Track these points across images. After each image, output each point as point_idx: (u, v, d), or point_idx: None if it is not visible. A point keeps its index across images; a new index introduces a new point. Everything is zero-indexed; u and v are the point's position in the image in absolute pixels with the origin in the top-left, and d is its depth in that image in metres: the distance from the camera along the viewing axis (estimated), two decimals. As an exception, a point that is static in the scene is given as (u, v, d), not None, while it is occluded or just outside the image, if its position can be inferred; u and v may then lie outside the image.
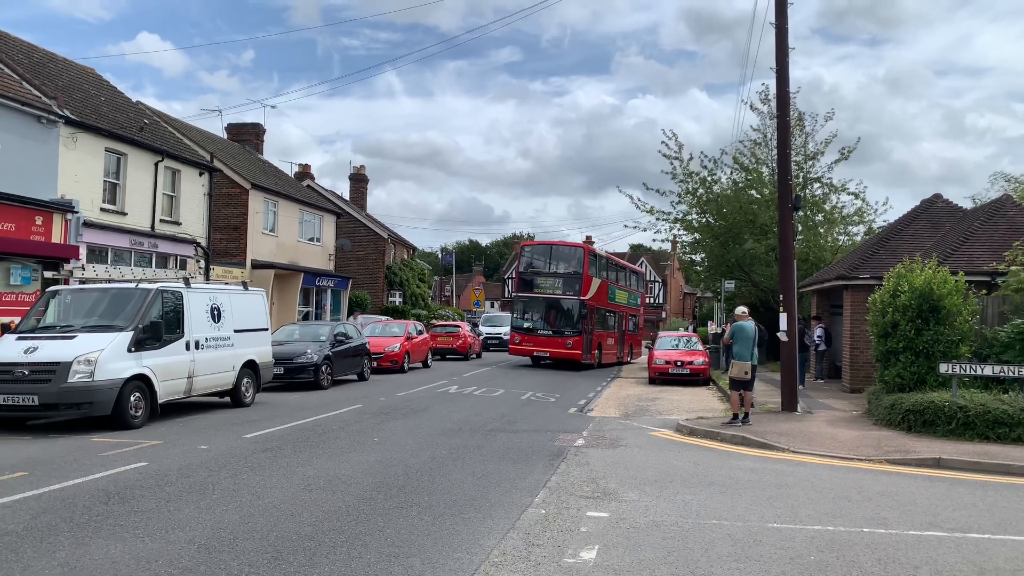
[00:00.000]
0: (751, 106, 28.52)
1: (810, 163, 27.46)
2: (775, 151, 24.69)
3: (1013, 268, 14.84)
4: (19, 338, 11.93)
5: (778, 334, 15.46)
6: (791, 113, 17.06)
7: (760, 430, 12.57)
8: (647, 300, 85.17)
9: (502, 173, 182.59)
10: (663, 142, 28.60)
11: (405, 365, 24.51)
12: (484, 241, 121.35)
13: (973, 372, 12.61)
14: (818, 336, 22.18)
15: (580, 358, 26.94)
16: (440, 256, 72.73)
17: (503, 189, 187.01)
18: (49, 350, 11.40)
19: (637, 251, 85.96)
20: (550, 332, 27.29)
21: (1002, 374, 12.40)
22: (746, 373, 13.45)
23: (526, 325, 27.81)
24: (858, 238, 29.71)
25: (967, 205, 26.31)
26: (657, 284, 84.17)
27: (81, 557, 5.49)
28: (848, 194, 27.91)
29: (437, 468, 9.16)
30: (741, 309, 14.30)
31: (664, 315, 78.69)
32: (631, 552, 5.98)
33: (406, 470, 8.96)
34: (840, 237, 30.09)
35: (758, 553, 6.04)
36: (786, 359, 15.43)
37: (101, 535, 6.03)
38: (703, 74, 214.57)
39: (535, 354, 27.73)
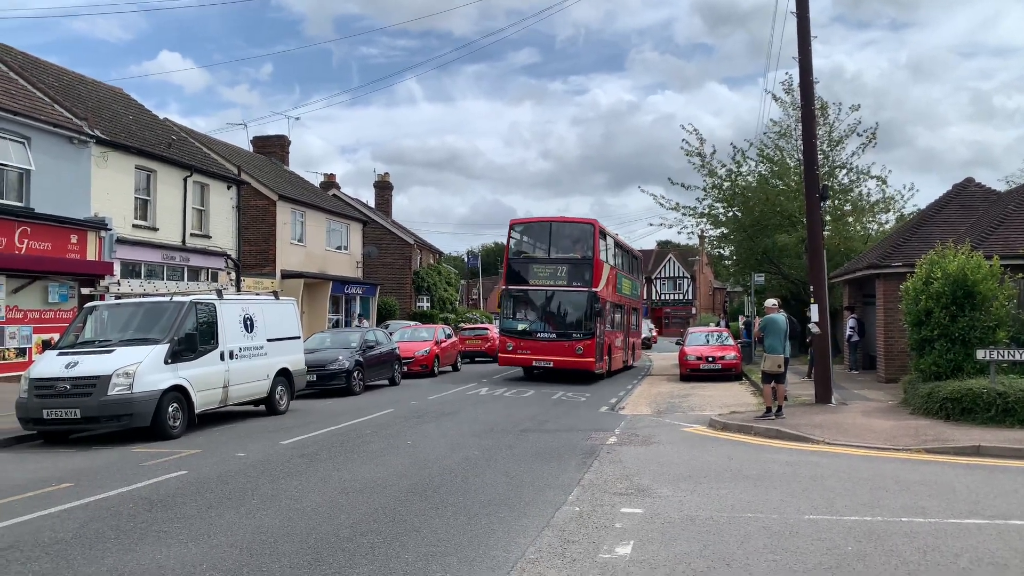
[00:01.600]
0: (774, 96, 28.14)
1: (836, 150, 27.11)
2: (799, 141, 24.52)
3: (1049, 250, 14.56)
4: (60, 354, 12.23)
5: (810, 326, 15.33)
6: (814, 102, 16.87)
7: (794, 423, 12.47)
8: (676, 295, 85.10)
9: (524, 174, 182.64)
10: (683, 140, 28.18)
11: (435, 369, 24.66)
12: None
13: (1012, 358, 12.40)
14: (851, 327, 21.93)
15: (593, 367, 21.52)
16: (466, 259, 73.01)
17: (525, 190, 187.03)
18: (89, 364, 11.68)
19: (665, 247, 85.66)
20: (553, 335, 21.69)
21: (1041, 359, 12.19)
22: (779, 367, 13.35)
23: (520, 327, 22.15)
24: (888, 226, 29.28)
25: (1001, 188, 25.81)
26: (686, 280, 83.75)
27: (128, 562, 5.64)
28: (872, 178, 27.48)
29: (471, 469, 9.22)
30: (771, 302, 14.18)
31: (694, 311, 78.28)
32: (666, 547, 5.99)
33: (440, 471, 9.05)
34: (870, 226, 29.67)
35: (795, 545, 6.01)
36: (819, 351, 15.28)
37: (147, 541, 6.19)
38: (720, 67, 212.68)
39: (533, 364, 22.01)
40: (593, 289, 21.56)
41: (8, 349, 18.55)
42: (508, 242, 23.43)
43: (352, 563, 5.60)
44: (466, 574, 5.37)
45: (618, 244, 26.33)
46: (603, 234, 23.15)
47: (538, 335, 21.89)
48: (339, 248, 35.96)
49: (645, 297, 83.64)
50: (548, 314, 22.18)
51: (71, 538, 6.30)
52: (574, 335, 21.57)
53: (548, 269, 22.28)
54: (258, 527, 6.58)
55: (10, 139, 18.61)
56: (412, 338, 26.06)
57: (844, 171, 27.40)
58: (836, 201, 27.09)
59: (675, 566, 5.50)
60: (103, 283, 20.45)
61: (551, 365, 21.68)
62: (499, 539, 6.22)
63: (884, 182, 27.47)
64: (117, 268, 21.28)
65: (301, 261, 32.01)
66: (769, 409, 13.22)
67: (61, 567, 5.56)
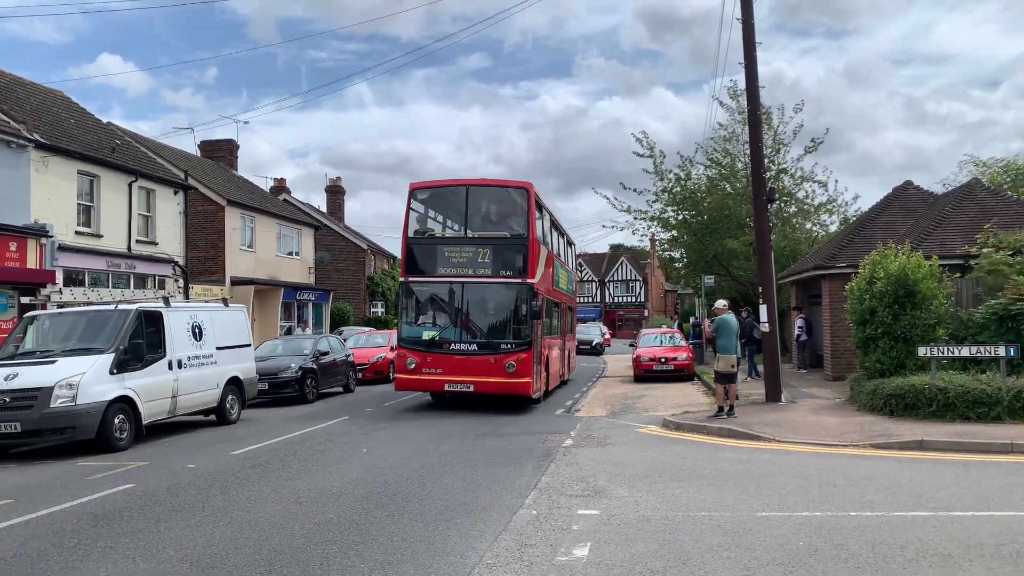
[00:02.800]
0: (720, 102, 28.67)
1: (780, 153, 27.74)
2: (746, 146, 25.02)
3: (985, 250, 15.11)
4: (-2, 365, 11.80)
5: (759, 325, 15.63)
6: (760, 107, 17.23)
7: (746, 421, 12.69)
8: (629, 298, 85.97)
9: (475, 178, 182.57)
10: (637, 141, 28.40)
11: (391, 375, 24.42)
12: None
13: (951, 354, 12.84)
14: (799, 326, 22.42)
15: (529, 390, 15.71)
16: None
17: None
18: (30, 376, 11.28)
19: (617, 250, 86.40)
20: (473, 347, 15.72)
21: (979, 354, 12.64)
22: (732, 367, 13.59)
23: (426, 336, 15.95)
24: (832, 228, 30.06)
25: (938, 190, 26.72)
26: (638, 283, 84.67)
27: (73, 581, 5.46)
28: (814, 182, 28.24)
29: (427, 475, 9.17)
30: (722, 303, 14.42)
31: (647, 313, 79.19)
32: (623, 547, 6.03)
33: (396, 478, 8.97)
34: (814, 228, 30.41)
35: (748, 541, 6.11)
36: (768, 350, 15.58)
37: (92, 558, 5.99)
38: (665, 73, 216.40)
39: (446, 388, 15.91)
40: (529, 280, 15.59)
41: (-58, 362, 17.81)
42: (407, 216, 16.47)
43: (306, 573, 5.51)
44: (424, 581, 5.33)
45: (555, 223, 20.42)
46: (539, 205, 17.10)
47: (452, 347, 15.69)
48: (290, 254, 35.43)
49: (598, 300, 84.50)
50: (466, 317, 16.02)
51: (11, 557, 6.07)
52: (503, 346, 15.56)
53: (465, 253, 16.09)
54: (209, 540, 6.43)
55: (-58, 143, 17.89)
56: (367, 344, 25.79)
57: (789, 176, 28.05)
58: (783, 203, 27.71)
59: (632, 566, 5.55)
60: (44, 292, 19.79)
61: (471, 389, 15.61)
62: (456, 545, 6.19)
63: (824, 185, 28.28)
64: (59, 276, 20.60)
65: (251, 267, 31.45)
66: (721, 408, 13.43)
67: (1, 587, 5.36)
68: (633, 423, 13.91)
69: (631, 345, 30.87)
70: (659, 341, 25.54)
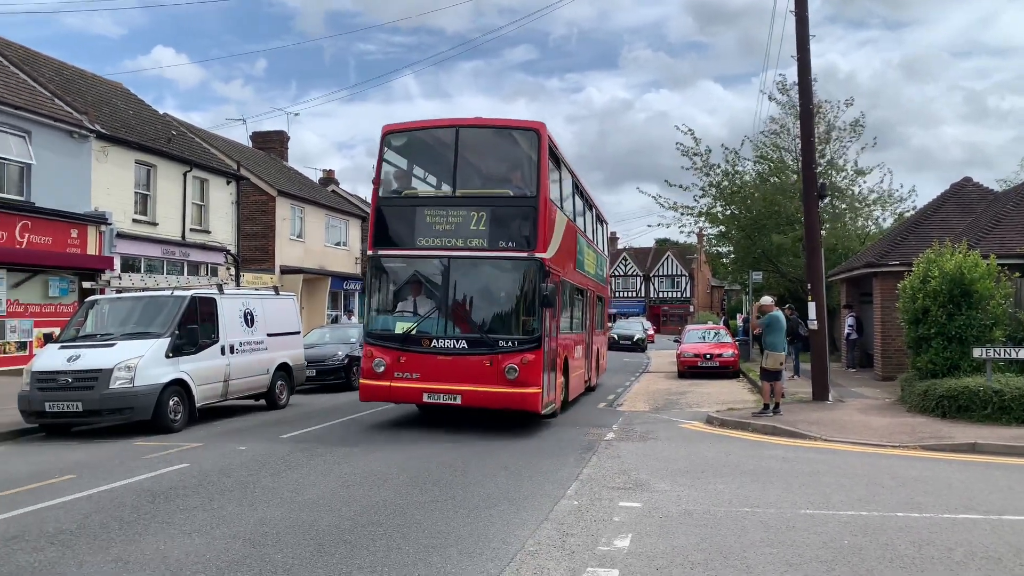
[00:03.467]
0: (769, 97, 28.23)
1: (833, 148, 27.17)
2: (797, 140, 24.60)
3: (1046, 250, 14.64)
4: (61, 347, 12.28)
5: (808, 323, 15.40)
6: (813, 101, 16.93)
7: (791, 419, 12.55)
8: (674, 293, 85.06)
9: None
10: (678, 143, 28.08)
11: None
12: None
13: (1008, 356, 12.52)
14: (850, 325, 22.01)
15: (537, 403, 11.70)
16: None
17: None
18: (91, 358, 11.73)
19: (663, 245, 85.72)
20: (463, 344, 11.77)
21: (1037, 357, 12.27)
22: (781, 364, 13.46)
23: (400, 328, 12.20)
24: (886, 224, 29.39)
25: (997, 188, 25.90)
26: (684, 278, 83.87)
27: (133, 552, 5.71)
28: (866, 173, 27.57)
29: (470, 462, 9.29)
30: (768, 299, 14.20)
31: (692, 309, 78.42)
32: (664, 540, 6.06)
33: (440, 465, 9.11)
34: (868, 224, 29.77)
35: (791, 538, 6.09)
36: (816, 348, 15.35)
37: (150, 532, 6.25)
38: (713, 65, 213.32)
39: (425, 398, 11.89)
40: (538, 255, 11.65)
41: (9, 343, 18.60)
42: (378, 169, 12.56)
43: (353, 554, 5.67)
44: (466, 565, 5.43)
45: (579, 186, 16.10)
46: (556, 157, 12.98)
47: (434, 344, 11.70)
48: (338, 244, 36.00)
49: (642, 295, 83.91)
50: (453, 304, 12.04)
51: (76, 528, 6.37)
52: (503, 343, 11.59)
53: (453, 218, 12.09)
54: (260, 519, 6.64)
55: (11, 133, 18.64)
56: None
57: (843, 173, 27.47)
58: (834, 200, 27.18)
59: (673, 558, 5.58)
60: (104, 277, 20.49)
61: (457, 401, 11.68)
62: (499, 531, 6.29)
63: (883, 181, 27.63)
64: (117, 262, 21.31)
65: (300, 257, 32.05)
66: (767, 406, 13.29)
67: (67, 556, 5.63)
68: (676, 419, 13.86)
69: (675, 341, 30.58)
70: (704, 337, 25.31)
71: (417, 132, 13.15)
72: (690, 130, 27.88)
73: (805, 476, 8.57)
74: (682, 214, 28.92)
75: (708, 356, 23.17)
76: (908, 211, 27.41)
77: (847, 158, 27.37)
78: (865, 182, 27.89)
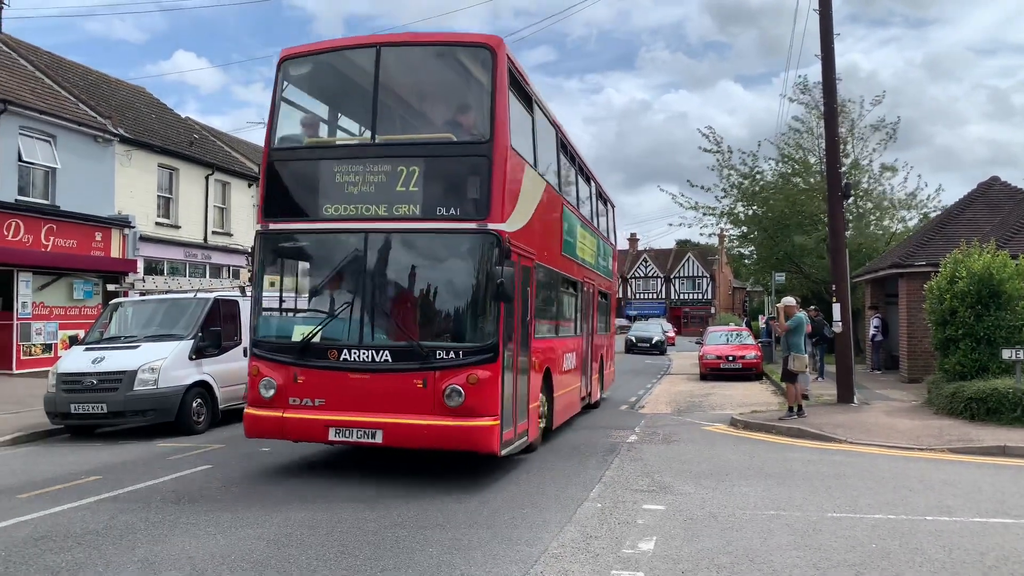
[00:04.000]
0: (790, 99, 27.92)
1: (856, 147, 26.84)
2: (820, 140, 24.34)
3: (1077, 249, 14.36)
4: (86, 349, 12.41)
5: (833, 324, 15.22)
6: (837, 100, 16.73)
7: (816, 422, 12.40)
8: (695, 295, 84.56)
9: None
10: (703, 136, 27.81)
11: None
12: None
13: (1038, 357, 12.25)
14: (875, 326, 21.74)
15: (493, 440, 7.91)
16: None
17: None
18: (115, 360, 11.84)
19: (684, 246, 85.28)
20: (386, 356, 8.06)
21: (1069, 359, 12.03)
22: (806, 366, 13.37)
23: (298, 334, 8.55)
24: (912, 223, 29.01)
25: (1026, 187, 25.44)
26: (705, 279, 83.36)
27: (159, 553, 5.74)
28: (894, 170, 27.19)
29: (493, 465, 9.24)
30: (792, 300, 14.02)
31: (713, 310, 77.92)
32: (689, 543, 5.99)
33: (463, 467, 9.07)
34: (894, 225, 29.39)
35: (818, 542, 6.00)
36: (841, 350, 15.17)
37: (176, 533, 6.28)
38: (733, 66, 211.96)
39: (332, 435, 8.18)
40: (492, 225, 8.13)
41: (34, 345, 18.85)
42: (273, 109, 9.02)
43: (377, 556, 5.65)
44: (490, 568, 5.40)
45: (566, 142, 12.13)
46: (522, 88, 9.45)
47: (345, 356, 8.24)
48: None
49: (663, 297, 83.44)
50: (372, 297, 8.47)
51: (102, 529, 6.41)
52: (442, 355, 8.06)
53: (373, 175, 8.55)
54: (284, 520, 6.65)
55: (37, 138, 18.91)
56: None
57: (867, 173, 27.14)
58: (858, 200, 26.87)
59: (698, 561, 5.51)
60: (127, 280, 20.73)
61: (378, 439, 8.13)
62: (522, 534, 6.25)
63: (905, 180, 27.22)
64: (140, 265, 21.55)
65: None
66: (792, 408, 13.14)
67: (94, 557, 5.67)
68: (699, 421, 13.75)
69: (697, 343, 30.38)
70: (727, 339, 25.11)
71: (325, 56, 9.27)
72: (712, 130, 27.67)
73: (831, 479, 8.45)
74: (704, 214, 28.70)
75: (731, 358, 22.98)
76: (934, 211, 27.04)
77: (872, 157, 27.03)
78: (890, 181, 27.54)
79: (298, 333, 8.51)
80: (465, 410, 7.80)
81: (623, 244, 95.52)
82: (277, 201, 8.85)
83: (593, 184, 15.02)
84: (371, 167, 8.46)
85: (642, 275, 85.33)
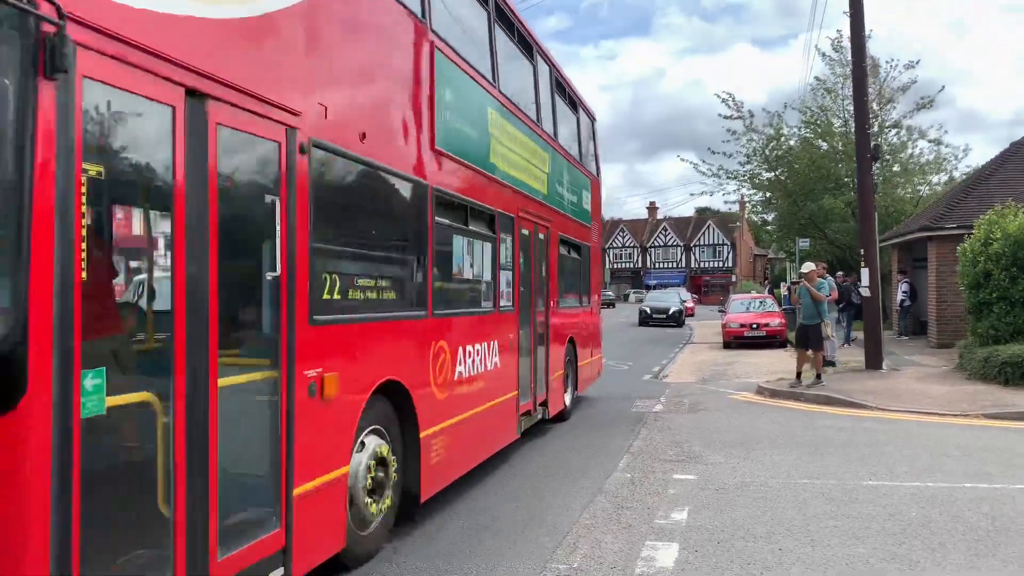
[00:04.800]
0: (822, 54, 27.09)
1: (886, 109, 26.16)
2: (847, 101, 23.78)
3: (1116, 209, 13.93)
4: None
5: (860, 289, 14.95)
6: (866, 59, 16.27)
7: (846, 388, 12.20)
8: (716, 263, 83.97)
9: None
10: (723, 102, 27.08)
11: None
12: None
13: (1075, 320, 11.96)
14: (903, 291, 21.36)
15: None
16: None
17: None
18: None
19: (703, 214, 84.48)
20: None
21: (1108, 321, 11.72)
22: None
23: None
24: (939, 188, 28.39)
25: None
26: (726, 247, 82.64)
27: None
28: (928, 141, 26.54)
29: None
30: (811, 265, 13.76)
31: (735, 278, 77.33)
32: (722, 513, 5.88)
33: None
34: (920, 188, 28.77)
35: (855, 511, 5.86)
36: (869, 316, 14.89)
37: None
38: (750, 29, 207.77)
39: None
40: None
41: None
42: None
43: (404, 529, 5.59)
44: (521, 539, 5.32)
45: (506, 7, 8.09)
46: None
47: None
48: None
49: (683, 266, 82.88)
50: None
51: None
52: None
53: None
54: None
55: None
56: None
57: (895, 131, 26.51)
58: (886, 162, 26.29)
59: (734, 531, 5.40)
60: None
61: None
62: (551, 505, 6.17)
63: (939, 143, 26.56)
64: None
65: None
66: (819, 375, 12.95)
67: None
68: (725, 389, 13.60)
69: (720, 311, 29.99)
70: (750, 307, 24.83)
71: None
72: (730, 95, 27.04)
73: (864, 446, 8.29)
74: (727, 178, 28.15)
75: (755, 326, 22.73)
76: (963, 173, 26.45)
77: (900, 121, 26.38)
78: (916, 144, 26.90)
79: None
80: None
81: (640, 212, 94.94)
82: None
83: (547, 67, 9.83)
84: None
85: (661, 244, 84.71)
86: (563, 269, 10.33)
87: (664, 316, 34.00)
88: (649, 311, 34.74)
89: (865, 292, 14.75)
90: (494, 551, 5.10)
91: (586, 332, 11.74)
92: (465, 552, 5.09)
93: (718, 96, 27.48)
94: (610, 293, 60.52)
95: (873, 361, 14.62)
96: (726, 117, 27.01)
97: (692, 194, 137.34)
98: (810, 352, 12.89)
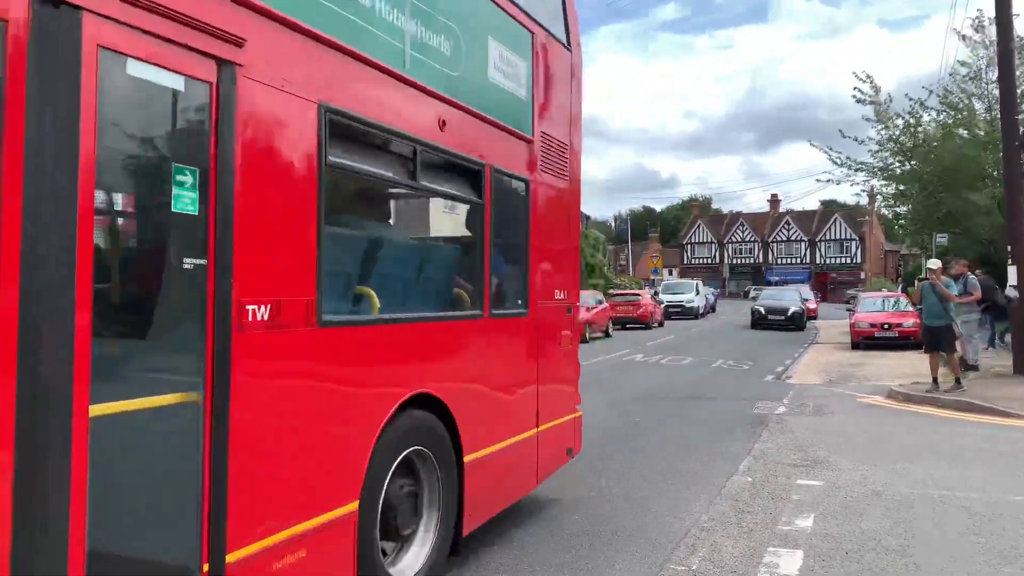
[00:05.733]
0: (963, 36, 25.22)
1: None
2: (992, 85, 22.04)
3: None
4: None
5: (1007, 290, 13.87)
6: (1013, 39, 15.04)
7: (989, 395, 11.36)
8: (842, 259, 79.71)
9: (665, 135, 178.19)
10: (855, 88, 25.66)
11: (586, 335, 24.53)
12: (657, 207, 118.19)
13: None
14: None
15: None
16: (612, 225, 72.11)
17: (668, 152, 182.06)
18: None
19: (830, 207, 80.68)
20: None
21: None
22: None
23: None
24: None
25: None
26: (854, 242, 78.52)
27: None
28: None
29: (635, 434, 9.13)
30: (938, 263, 12.96)
31: (863, 275, 73.41)
32: (851, 521, 5.63)
33: (602, 436, 8.99)
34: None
35: (1000, 527, 5.47)
36: (1018, 317, 13.80)
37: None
38: (876, 10, 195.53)
39: None
40: None
41: None
42: None
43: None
44: (639, 540, 5.30)
45: None
46: None
47: None
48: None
49: (807, 261, 79.31)
50: None
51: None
52: None
53: None
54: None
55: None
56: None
57: None
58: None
59: (863, 542, 5.16)
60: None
61: None
62: (669, 506, 6.09)
63: None
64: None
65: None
66: (959, 380, 12.12)
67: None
68: (853, 392, 12.98)
69: (848, 310, 28.51)
70: (881, 306, 23.56)
71: None
72: (868, 76, 25.49)
73: (1010, 458, 7.72)
74: (856, 170, 26.68)
75: (886, 326, 21.55)
76: None
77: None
78: None
79: None
80: None
81: (760, 205, 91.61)
82: None
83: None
84: None
85: (784, 239, 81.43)
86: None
87: (782, 318, 30.20)
88: (763, 311, 30.87)
89: (1012, 293, 13.67)
90: (613, 547, 5.10)
91: (571, 373, 6.38)
92: (585, 546, 5.12)
93: (855, 75, 25.82)
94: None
95: (1022, 366, 13.56)
96: (858, 101, 25.59)
97: (818, 180, 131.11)
98: (943, 355, 12.10)
